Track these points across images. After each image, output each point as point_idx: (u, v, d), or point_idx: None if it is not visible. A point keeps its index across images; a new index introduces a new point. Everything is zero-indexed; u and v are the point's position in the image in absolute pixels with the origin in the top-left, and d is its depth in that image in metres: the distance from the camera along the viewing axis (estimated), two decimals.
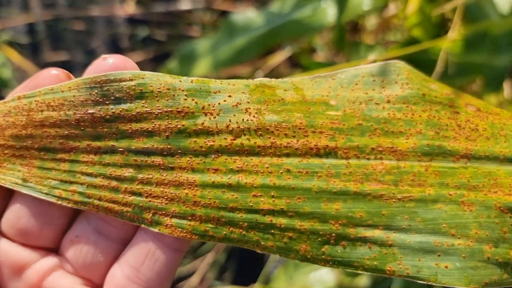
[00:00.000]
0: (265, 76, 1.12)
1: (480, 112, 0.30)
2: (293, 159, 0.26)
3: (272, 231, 0.25)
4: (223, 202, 0.25)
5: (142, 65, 1.25)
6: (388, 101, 0.28)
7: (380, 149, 0.27)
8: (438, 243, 0.26)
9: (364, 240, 0.25)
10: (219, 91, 0.26)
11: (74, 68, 1.23)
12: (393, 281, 0.83)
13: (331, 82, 0.28)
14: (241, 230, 0.25)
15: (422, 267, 0.25)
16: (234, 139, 0.26)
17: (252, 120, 0.26)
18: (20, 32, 1.23)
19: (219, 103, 0.26)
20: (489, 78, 0.70)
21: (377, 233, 0.25)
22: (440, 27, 0.76)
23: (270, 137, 0.26)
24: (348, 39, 1.02)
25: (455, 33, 0.61)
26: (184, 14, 1.16)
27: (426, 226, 0.26)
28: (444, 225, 0.26)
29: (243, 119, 0.26)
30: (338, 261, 0.25)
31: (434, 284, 0.25)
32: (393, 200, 0.26)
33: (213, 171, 0.26)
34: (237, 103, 0.26)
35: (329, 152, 0.26)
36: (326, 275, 0.89)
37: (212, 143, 0.26)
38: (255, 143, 0.26)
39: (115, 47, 1.23)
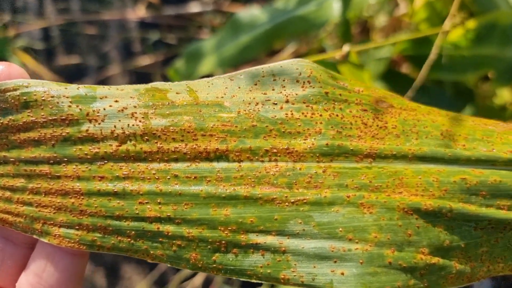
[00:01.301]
0: None
1: (392, 108, 0.29)
2: (181, 164, 0.25)
3: (160, 239, 0.25)
4: (109, 210, 0.25)
5: (153, 68, 1.25)
6: (287, 101, 0.27)
7: (275, 150, 0.26)
8: (334, 249, 0.24)
9: (257, 247, 0.24)
10: (106, 97, 0.26)
11: (86, 72, 1.25)
12: None
13: (229, 83, 0.27)
14: (129, 239, 0.25)
15: (318, 274, 0.24)
16: (120, 145, 0.25)
17: (138, 125, 0.25)
18: (35, 38, 1.25)
19: (104, 109, 0.26)
20: (500, 71, 0.67)
21: (269, 239, 0.24)
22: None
23: (157, 142, 0.25)
24: (356, 39, 1.00)
25: (451, 24, 0.59)
26: (194, 17, 1.16)
27: (322, 230, 0.25)
28: (340, 229, 0.25)
29: (128, 124, 0.25)
30: (230, 270, 0.24)
31: None
32: (286, 204, 0.25)
33: (99, 178, 0.25)
34: (123, 108, 0.26)
35: (220, 156, 0.25)
36: None
37: (97, 150, 0.25)
38: (141, 148, 0.25)
39: (127, 51, 1.24)
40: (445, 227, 0.26)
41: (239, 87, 0.27)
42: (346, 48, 0.51)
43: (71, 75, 1.25)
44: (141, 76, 1.22)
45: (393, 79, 0.83)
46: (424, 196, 0.26)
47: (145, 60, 1.19)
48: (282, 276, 0.24)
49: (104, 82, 1.23)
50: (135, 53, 1.24)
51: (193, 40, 1.16)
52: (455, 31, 0.62)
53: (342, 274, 0.24)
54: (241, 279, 0.24)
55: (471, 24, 0.64)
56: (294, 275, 0.24)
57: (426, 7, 0.72)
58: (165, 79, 1.14)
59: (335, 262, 0.24)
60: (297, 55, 1.03)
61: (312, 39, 1.03)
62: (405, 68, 0.95)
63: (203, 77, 0.95)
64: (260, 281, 0.24)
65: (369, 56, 0.78)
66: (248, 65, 1.11)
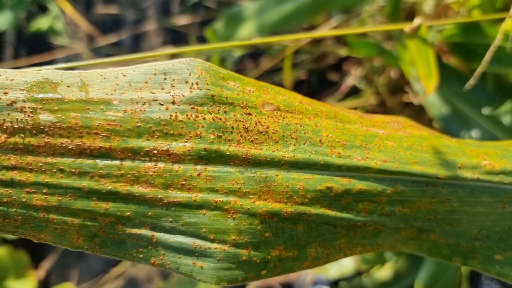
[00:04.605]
0: (308, 51, 1.08)
1: (279, 111, 0.30)
2: (66, 158, 0.27)
3: (45, 223, 0.27)
4: None
5: (189, 28, 1.23)
6: (173, 102, 0.28)
7: (156, 151, 0.27)
8: (196, 246, 0.28)
9: (132, 236, 0.27)
10: None
11: (123, 24, 1.23)
12: (416, 277, 0.79)
13: (121, 79, 0.28)
14: (16, 223, 0.27)
15: (181, 264, 0.28)
16: (8, 137, 0.26)
17: (26, 120, 0.26)
18: None
19: None
20: None
21: (143, 231, 0.27)
22: (503, 11, 0.70)
23: (44, 137, 0.27)
24: (402, 22, 0.97)
25: None
26: None
27: (188, 228, 0.27)
28: (204, 229, 0.27)
29: (17, 119, 0.26)
30: (108, 251, 0.27)
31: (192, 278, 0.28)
32: (159, 203, 0.27)
33: None
34: (13, 101, 0.26)
35: (104, 153, 0.27)
36: (345, 260, 0.86)
37: None
38: (29, 142, 0.26)
39: (165, 9, 1.22)
40: (304, 227, 0.29)
41: (130, 84, 0.28)
42: (417, 21, 0.48)
43: (107, 26, 1.24)
44: (176, 35, 1.21)
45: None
46: (287, 203, 0.28)
47: (182, 20, 1.18)
48: (152, 261, 0.28)
49: (139, 36, 1.22)
50: (173, 13, 1.22)
51: (232, 5, 1.14)
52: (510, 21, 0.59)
53: (201, 267, 0.27)
54: (117, 259, 0.28)
55: None
56: (162, 262, 0.28)
57: None
58: (201, 40, 1.12)
59: (197, 256, 0.28)
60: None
61: (353, 19, 0.99)
62: (445, 59, 0.92)
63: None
64: (133, 262, 0.28)
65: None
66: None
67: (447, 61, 0.91)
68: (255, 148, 0.29)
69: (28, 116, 0.26)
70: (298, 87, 1.16)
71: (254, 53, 1.13)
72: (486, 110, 0.75)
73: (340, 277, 0.86)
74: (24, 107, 0.26)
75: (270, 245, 0.28)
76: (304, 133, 0.30)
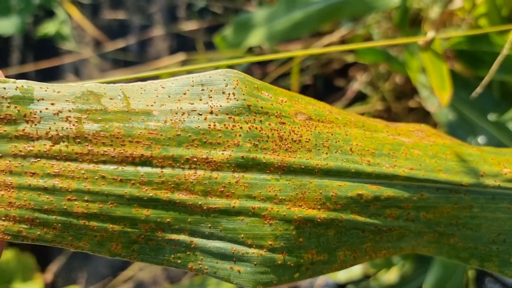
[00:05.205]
0: (315, 57, 1.09)
1: (310, 121, 0.31)
2: (109, 166, 0.28)
3: (85, 231, 0.28)
4: (38, 204, 0.27)
5: (195, 34, 1.24)
6: (211, 112, 0.29)
7: (195, 159, 0.28)
8: (234, 250, 0.29)
9: (171, 242, 0.28)
10: (43, 99, 0.28)
11: (129, 30, 1.24)
12: (424, 281, 0.80)
13: (160, 91, 0.29)
14: (55, 231, 0.27)
15: (219, 268, 0.29)
16: (53, 146, 0.27)
17: (71, 128, 0.27)
18: None
19: (41, 111, 0.27)
20: None
21: (182, 237, 0.28)
22: (509, 20, 0.71)
23: (88, 145, 0.27)
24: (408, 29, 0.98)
25: None
26: None
27: (227, 234, 0.29)
28: (242, 235, 0.29)
29: (62, 127, 0.27)
30: (146, 257, 0.28)
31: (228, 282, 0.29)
32: (199, 209, 0.28)
33: (31, 174, 0.27)
34: (59, 111, 0.27)
35: (145, 161, 0.28)
36: None
37: (31, 148, 0.27)
38: (73, 150, 0.27)
39: (171, 15, 1.23)
40: (335, 232, 0.30)
41: (169, 96, 0.29)
42: (431, 34, 0.49)
43: (114, 31, 1.25)
44: (183, 41, 1.22)
45: None
46: (320, 210, 0.30)
47: (188, 26, 1.19)
48: (190, 266, 0.29)
49: (146, 42, 1.23)
50: (180, 18, 1.23)
51: (239, 11, 1.15)
52: None
53: (239, 271, 0.29)
54: (155, 265, 0.29)
55: None
56: (200, 267, 0.29)
57: (487, 2, 0.70)
58: (208, 46, 1.13)
59: (234, 261, 0.29)
60: (344, 39, 1.01)
61: (359, 25, 1.01)
62: (450, 66, 0.93)
63: (250, 48, 0.94)
64: (171, 267, 0.29)
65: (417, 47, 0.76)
66: (294, 43, 1.09)
67: (452, 67, 0.92)
68: (289, 156, 0.30)
69: (73, 125, 0.27)
70: (304, 92, 1.17)
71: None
72: (492, 117, 0.76)
73: (348, 281, 0.87)
74: (70, 116, 0.27)
75: (303, 250, 0.30)
76: (336, 142, 0.31)
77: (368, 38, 1.01)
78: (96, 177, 0.27)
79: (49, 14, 1.21)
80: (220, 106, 0.29)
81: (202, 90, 0.29)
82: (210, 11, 1.21)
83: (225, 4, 1.19)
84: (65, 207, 0.27)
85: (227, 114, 0.29)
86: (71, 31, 1.23)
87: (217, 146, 0.29)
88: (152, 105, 0.28)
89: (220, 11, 1.20)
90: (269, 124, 0.30)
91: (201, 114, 0.29)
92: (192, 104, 0.29)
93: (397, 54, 0.92)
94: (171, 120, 0.28)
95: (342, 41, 1.05)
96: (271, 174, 0.29)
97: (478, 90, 0.62)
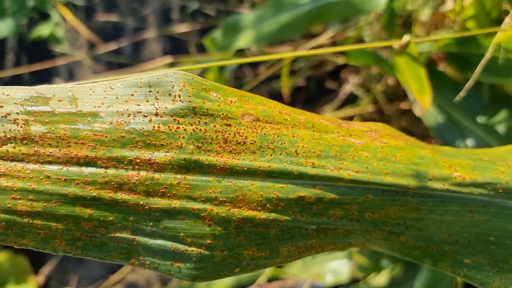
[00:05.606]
0: (306, 58, 1.09)
1: (258, 122, 0.31)
2: (54, 166, 0.28)
3: (29, 229, 0.28)
4: None
5: (188, 36, 1.24)
6: (156, 114, 0.29)
7: (138, 160, 0.29)
8: (175, 248, 0.29)
9: (114, 239, 0.29)
10: None
11: (123, 32, 1.25)
12: (413, 285, 0.79)
13: (109, 92, 0.29)
14: None
15: (160, 264, 0.30)
16: (0, 146, 0.28)
17: (18, 130, 0.28)
18: None
19: None
20: None
21: (124, 235, 0.29)
22: (498, 23, 0.70)
23: (34, 146, 0.28)
24: (398, 31, 0.98)
25: (509, 25, 0.56)
26: None
27: (167, 232, 0.29)
28: (182, 234, 0.29)
29: (10, 129, 0.28)
30: (90, 253, 0.29)
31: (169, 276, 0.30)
32: (141, 209, 0.29)
33: None
34: (7, 113, 0.28)
35: (89, 162, 0.28)
36: (341, 267, 0.86)
37: None
38: (20, 150, 0.28)
39: (165, 17, 1.24)
40: (276, 230, 0.31)
41: (117, 97, 0.29)
42: (406, 38, 0.49)
43: (107, 33, 1.25)
44: (176, 42, 1.22)
45: (430, 75, 0.81)
46: (260, 211, 0.30)
47: (182, 28, 1.19)
48: (132, 262, 0.29)
49: (139, 44, 1.23)
50: (173, 20, 1.23)
51: (231, 13, 1.15)
52: (505, 33, 0.60)
53: (179, 267, 0.29)
54: (98, 260, 0.29)
55: None
56: (142, 262, 0.29)
57: (475, 4, 0.69)
58: (200, 47, 1.13)
59: (175, 257, 0.29)
60: (335, 40, 1.01)
61: (350, 27, 1.00)
62: (441, 68, 0.92)
63: (242, 50, 0.94)
64: (114, 262, 0.30)
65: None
66: (284, 45, 1.09)
67: (444, 70, 0.92)
68: (233, 158, 0.30)
69: (21, 127, 0.28)
70: (297, 93, 1.17)
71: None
72: (481, 119, 0.76)
73: (336, 284, 0.87)
74: (17, 119, 0.28)
75: (243, 247, 0.30)
76: (281, 144, 0.31)
77: (360, 40, 1.01)
78: (41, 177, 0.28)
79: (43, 16, 1.21)
80: (166, 108, 0.29)
81: (150, 91, 0.29)
82: (203, 13, 1.21)
83: (218, 6, 1.19)
84: (9, 205, 0.27)
85: (172, 116, 0.29)
86: (65, 33, 1.23)
87: (161, 148, 0.29)
88: (99, 107, 0.29)
89: (213, 13, 1.20)
90: (214, 126, 0.30)
91: (146, 116, 0.29)
92: (138, 105, 0.29)
93: (388, 56, 0.92)
94: (117, 121, 0.29)
95: (334, 43, 1.04)
96: (213, 176, 0.30)
97: (463, 93, 0.62)
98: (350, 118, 1.07)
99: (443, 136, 0.77)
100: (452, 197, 0.34)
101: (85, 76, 1.26)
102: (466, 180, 0.34)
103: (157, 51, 1.24)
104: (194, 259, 0.29)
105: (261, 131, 0.31)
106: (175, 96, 0.30)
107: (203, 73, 0.94)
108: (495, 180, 0.34)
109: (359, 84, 1.09)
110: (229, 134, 0.30)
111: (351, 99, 1.09)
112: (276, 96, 1.20)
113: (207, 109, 0.30)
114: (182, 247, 0.29)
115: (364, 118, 1.05)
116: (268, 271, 0.90)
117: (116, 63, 1.24)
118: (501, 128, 0.73)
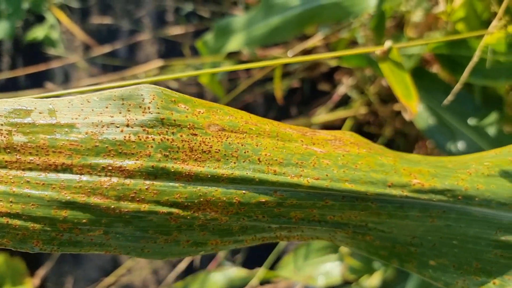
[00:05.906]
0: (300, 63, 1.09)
1: (223, 131, 0.33)
2: (34, 172, 0.31)
3: (8, 230, 0.30)
4: None
5: (183, 38, 1.24)
6: (128, 125, 0.31)
7: (110, 168, 0.31)
8: (144, 242, 0.32)
9: (87, 237, 0.31)
10: None
11: (118, 34, 1.25)
12: (407, 283, 0.79)
13: (86, 105, 0.32)
14: None
15: (132, 248, 0.32)
16: None
17: (2, 140, 0.30)
18: None
19: None
20: None
21: (97, 234, 0.31)
22: (489, 25, 0.70)
23: (16, 154, 0.30)
24: (390, 33, 0.97)
25: (497, 27, 0.56)
26: None
27: (137, 231, 0.32)
28: (151, 231, 0.32)
29: None
30: (67, 249, 0.31)
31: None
32: (112, 212, 0.31)
33: None
34: None
35: (66, 169, 0.31)
36: (333, 269, 0.86)
37: None
38: (3, 158, 0.30)
39: (159, 19, 1.24)
40: (240, 227, 0.33)
41: (93, 110, 0.32)
42: (388, 43, 0.48)
43: (102, 35, 1.25)
44: (171, 45, 1.22)
45: (422, 77, 0.81)
46: (222, 213, 0.32)
47: (176, 30, 1.19)
48: (105, 252, 0.32)
49: (134, 46, 1.23)
50: (167, 22, 1.23)
51: (226, 15, 1.15)
52: (494, 35, 0.59)
53: (148, 251, 0.33)
54: (74, 252, 0.32)
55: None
56: (115, 251, 0.32)
57: (465, 6, 0.69)
58: (194, 50, 1.13)
59: (142, 250, 0.32)
60: (329, 42, 1.01)
61: (344, 28, 1.00)
62: (435, 69, 0.92)
63: (230, 53, 0.93)
64: (88, 253, 0.32)
65: (399, 51, 0.75)
66: (277, 47, 1.09)
67: (437, 71, 0.91)
68: (198, 166, 0.32)
69: (4, 137, 0.30)
70: (291, 95, 1.17)
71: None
72: (472, 121, 0.76)
73: (327, 286, 0.87)
74: (1, 129, 0.30)
75: (207, 239, 0.33)
76: (245, 152, 0.33)
77: (354, 42, 1.01)
78: (22, 182, 0.30)
79: (38, 18, 1.22)
80: (136, 119, 0.31)
81: (122, 104, 0.32)
82: (198, 15, 1.21)
83: (212, 8, 1.19)
84: None
85: (142, 126, 0.31)
86: (60, 36, 1.23)
87: (131, 156, 0.31)
88: (77, 118, 0.31)
89: (207, 15, 1.20)
90: (181, 136, 0.32)
91: (118, 127, 0.31)
92: (112, 117, 0.31)
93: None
94: (91, 132, 0.31)
95: (327, 44, 1.04)
96: (179, 182, 0.32)
97: (450, 97, 0.61)
98: (344, 120, 1.07)
99: (434, 138, 0.77)
100: (412, 203, 0.35)
101: (81, 78, 1.26)
102: (425, 187, 0.35)
103: (152, 53, 1.24)
104: (162, 246, 0.32)
105: (226, 140, 0.33)
106: (145, 108, 0.32)
107: (196, 76, 0.94)
108: (454, 187, 0.35)
109: (353, 86, 1.09)
110: (195, 143, 0.32)
111: (345, 101, 1.09)
112: (270, 98, 1.20)
113: (175, 120, 0.32)
114: (151, 238, 0.32)
115: (358, 120, 1.05)
116: (260, 274, 0.90)
117: (111, 66, 1.24)
118: (491, 130, 0.73)
